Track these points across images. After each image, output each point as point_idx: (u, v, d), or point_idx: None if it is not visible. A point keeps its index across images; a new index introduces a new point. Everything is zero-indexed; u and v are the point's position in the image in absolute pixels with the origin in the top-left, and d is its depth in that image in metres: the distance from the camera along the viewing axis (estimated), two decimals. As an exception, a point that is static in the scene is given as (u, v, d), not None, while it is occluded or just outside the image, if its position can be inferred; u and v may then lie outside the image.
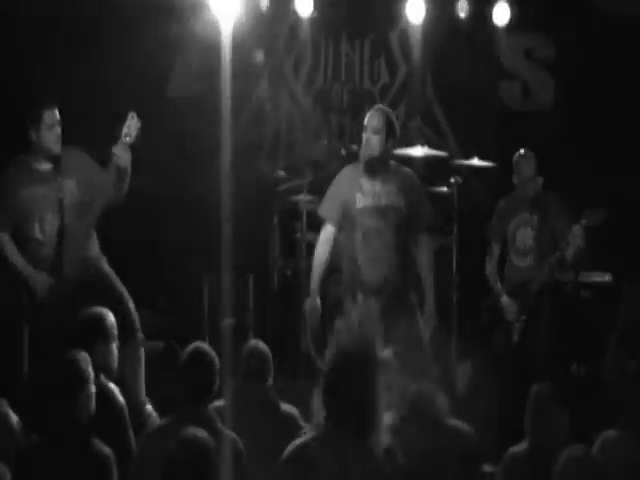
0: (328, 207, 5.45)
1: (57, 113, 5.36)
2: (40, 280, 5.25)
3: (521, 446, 4.17)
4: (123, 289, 5.43)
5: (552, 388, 4.24)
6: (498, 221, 6.01)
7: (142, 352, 5.45)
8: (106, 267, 5.45)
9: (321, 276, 5.44)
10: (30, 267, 5.28)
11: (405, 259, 5.31)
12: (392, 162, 5.45)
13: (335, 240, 5.45)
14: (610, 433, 4.14)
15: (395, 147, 6.52)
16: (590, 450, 3.89)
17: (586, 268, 6.58)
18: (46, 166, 5.37)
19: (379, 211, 5.28)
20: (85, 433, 3.77)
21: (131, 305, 5.40)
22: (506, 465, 4.16)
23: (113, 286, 5.37)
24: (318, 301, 5.41)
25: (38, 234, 5.31)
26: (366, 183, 5.34)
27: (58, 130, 5.34)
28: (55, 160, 5.36)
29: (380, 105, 5.79)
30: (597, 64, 7.61)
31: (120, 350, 4.90)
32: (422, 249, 5.38)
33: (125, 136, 5.23)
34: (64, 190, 5.32)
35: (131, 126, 5.24)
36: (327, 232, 5.47)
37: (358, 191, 5.33)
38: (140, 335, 5.44)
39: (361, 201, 5.32)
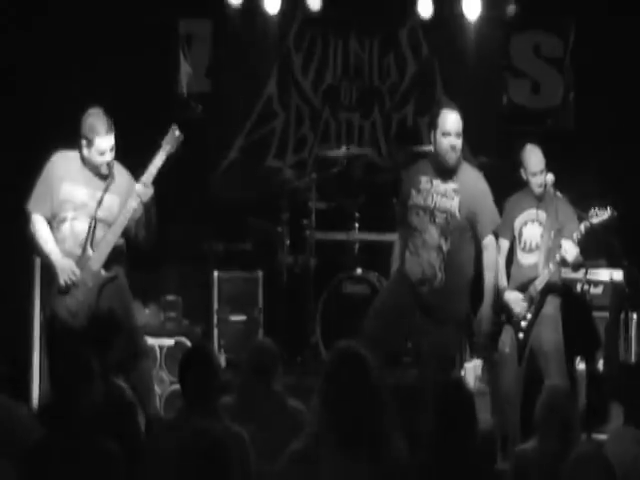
0: (398, 204, 5.46)
1: (112, 139, 5.24)
2: (67, 268, 5.18)
3: (531, 443, 4.16)
4: (134, 306, 5.43)
5: (565, 385, 4.24)
6: (506, 217, 5.99)
7: (151, 366, 5.45)
8: (124, 282, 5.42)
9: None
10: (59, 252, 5.22)
11: (451, 262, 5.24)
12: (463, 162, 5.39)
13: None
14: (620, 429, 4.15)
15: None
16: (600, 448, 3.89)
17: (597, 265, 6.57)
18: (94, 175, 5.35)
19: (426, 211, 5.26)
20: (92, 430, 3.77)
21: (138, 322, 5.40)
22: (516, 462, 4.16)
23: (126, 303, 5.35)
24: None
25: (67, 231, 5.28)
26: (424, 181, 5.33)
27: (109, 157, 5.25)
28: (103, 176, 5.33)
29: (449, 104, 5.57)
30: (606, 61, 7.59)
31: (130, 370, 4.92)
32: (486, 253, 5.32)
33: (166, 145, 5.27)
34: (104, 202, 5.27)
35: (173, 138, 5.30)
36: (397, 242, 5.52)
37: (414, 188, 5.33)
38: (147, 351, 5.44)
39: (413, 198, 5.32)
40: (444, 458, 3.61)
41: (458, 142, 5.23)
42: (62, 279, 5.19)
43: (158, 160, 5.28)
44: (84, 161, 5.31)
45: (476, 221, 5.30)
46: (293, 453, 3.46)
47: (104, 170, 5.28)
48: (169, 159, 5.31)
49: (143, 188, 5.25)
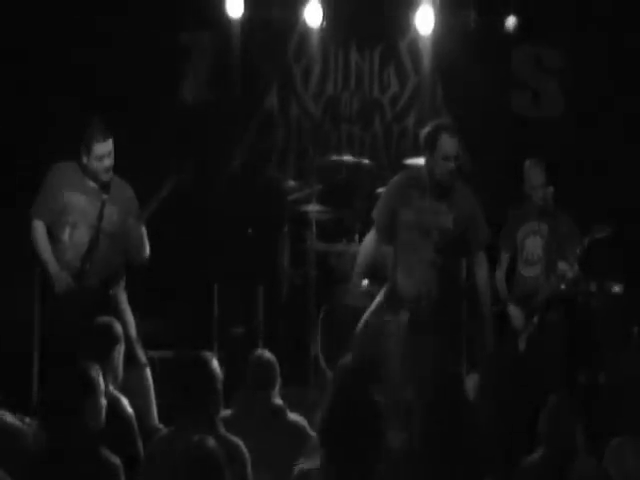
0: (378, 213, 5.38)
1: (110, 144, 5.35)
2: (63, 278, 5.26)
3: (534, 456, 4.14)
4: (131, 317, 5.42)
5: (569, 397, 4.22)
6: (508, 229, 5.98)
7: (149, 378, 5.44)
8: (122, 294, 5.44)
9: (363, 270, 5.41)
10: (56, 262, 5.30)
11: (446, 278, 5.20)
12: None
13: (378, 244, 5.40)
14: (619, 440, 4.13)
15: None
16: (601, 463, 3.87)
17: (598, 278, 6.55)
18: (96, 184, 5.41)
19: (420, 229, 5.17)
20: (94, 442, 3.76)
21: (134, 332, 5.39)
22: (520, 474, 4.14)
23: (123, 313, 5.36)
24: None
25: (66, 238, 5.35)
26: (416, 198, 5.22)
27: (108, 162, 5.34)
28: (104, 185, 5.39)
29: (449, 126, 5.35)
30: (603, 72, 7.59)
31: (127, 378, 4.91)
32: (479, 269, 5.28)
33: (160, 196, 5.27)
34: (105, 212, 5.35)
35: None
36: (371, 234, 5.44)
37: (405, 204, 5.23)
38: (144, 362, 5.44)
39: (405, 215, 5.24)
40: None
41: (453, 166, 5.17)
42: (57, 288, 5.25)
43: (164, 192, 5.28)
44: (84, 170, 5.37)
45: (469, 237, 5.24)
46: (298, 474, 3.43)
47: (104, 177, 5.37)
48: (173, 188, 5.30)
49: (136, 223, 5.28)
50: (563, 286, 5.79)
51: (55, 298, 5.27)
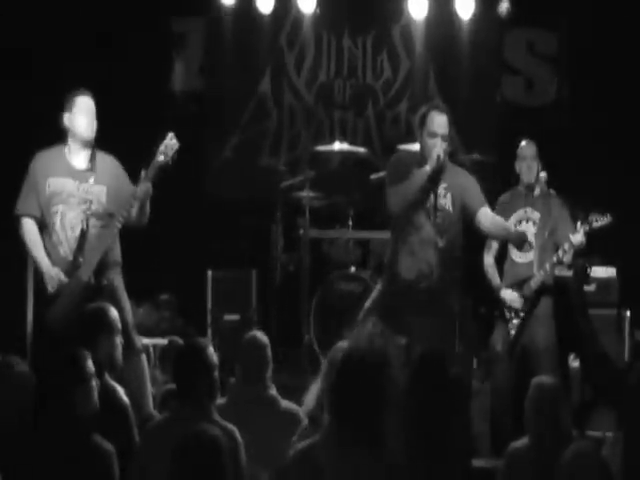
0: (391, 178, 5.26)
1: (91, 101, 5.32)
2: (54, 275, 5.19)
3: (522, 441, 4.16)
4: (128, 303, 5.41)
5: (553, 382, 4.23)
6: (499, 214, 5.94)
7: (145, 364, 5.43)
8: (118, 281, 5.40)
9: None
10: (47, 260, 5.23)
11: (446, 258, 5.17)
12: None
13: None
14: (614, 435, 4.14)
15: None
16: (598, 446, 3.88)
17: (591, 263, 6.56)
18: (81, 165, 5.33)
19: (423, 209, 5.14)
20: (86, 429, 3.77)
21: (131, 319, 5.39)
22: (508, 460, 4.16)
23: (119, 299, 5.32)
24: None
25: (58, 229, 5.27)
26: None
27: (90, 117, 5.29)
28: (91, 159, 5.33)
29: (439, 105, 5.39)
30: (600, 57, 7.60)
31: (125, 368, 4.90)
32: (492, 216, 5.22)
33: (160, 154, 5.21)
34: (93, 195, 5.28)
35: (168, 146, 5.22)
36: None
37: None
38: (140, 348, 5.43)
39: None
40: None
41: (443, 145, 5.13)
42: (50, 287, 5.21)
43: (151, 171, 5.22)
44: (69, 138, 5.31)
45: (468, 208, 5.20)
46: (298, 453, 3.44)
47: (86, 134, 5.28)
48: (164, 169, 5.25)
49: (153, 171, 5.20)
50: (569, 257, 5.71)
51: (48, 295, 5.23)
